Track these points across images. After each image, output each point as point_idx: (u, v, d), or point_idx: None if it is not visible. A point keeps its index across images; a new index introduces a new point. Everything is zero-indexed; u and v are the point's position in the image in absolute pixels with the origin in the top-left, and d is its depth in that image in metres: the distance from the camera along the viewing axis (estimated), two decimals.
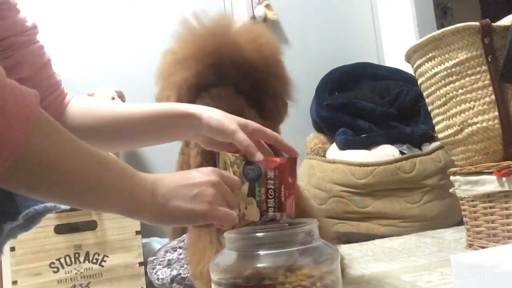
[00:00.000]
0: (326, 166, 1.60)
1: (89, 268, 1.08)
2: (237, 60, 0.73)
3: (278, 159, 0.63)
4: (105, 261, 1.09)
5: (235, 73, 0.73)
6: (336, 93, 1.81)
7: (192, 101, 0.75)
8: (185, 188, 0.51)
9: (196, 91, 0.75)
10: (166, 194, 0.50)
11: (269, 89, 0.77)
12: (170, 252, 1.09)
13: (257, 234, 0.53)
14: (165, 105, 0.67)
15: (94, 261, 1.09)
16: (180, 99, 0.76)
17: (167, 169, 1.38)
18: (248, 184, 0.59)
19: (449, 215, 1.49)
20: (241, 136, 0.60)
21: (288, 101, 0.84)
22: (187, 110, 0.65)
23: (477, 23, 0.98)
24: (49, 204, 0.60)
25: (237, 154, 0.61)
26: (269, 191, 0.60)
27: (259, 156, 0.59)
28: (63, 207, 0.63)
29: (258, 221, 0.60)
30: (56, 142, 0.41)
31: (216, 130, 0.62)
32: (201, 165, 0.88)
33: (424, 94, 1.15)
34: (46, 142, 0.40)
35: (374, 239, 1.45)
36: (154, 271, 1.07)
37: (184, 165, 1.24)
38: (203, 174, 0.53)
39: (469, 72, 1.00)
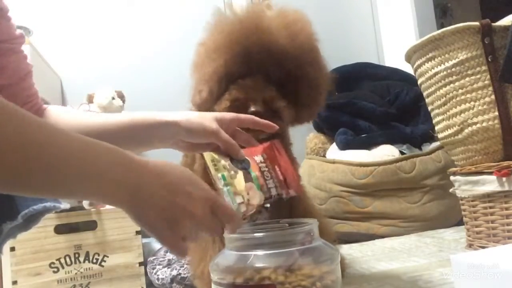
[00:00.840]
0: (326, 166, 1.60)
1: (89, 268, 1.08)
2: (267, 47, 0.69)
3: (260, 146, 0.63)
4: (105, 261, 1.09)
5: (266, 61, 0.70)
6: (336, 93, 1.81)
7: (223, 92, 0.71)
8: (171, 203, 0.47)
9: (226, 82, 0.72)
10: (153, 186, 0.46)
11: (303, 77, 0.73)
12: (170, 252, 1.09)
13: (257, 234, 0.53)
14: (141, 115, 0.66)
15: (94, 261, 1.09)
16: (211, 92, 0.73)
17: None
18: (242, 172, 0.59)
19: (449, 215, 1.49)
20: (223, 135, 0.60)
21: (324, 89, 0.79)
22: (163, 118, 0.64)
23: (477, 23, 0.98)
24: (48, 204, 0.60)
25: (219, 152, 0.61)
26: (264, 173, 0.60)
27: (242, 154, 0.59)
28: (62, 206, 0.63)
29: (264, 203, 0.60)
30: (20, 131, 0.38)
31: (197, 133, 0.61)
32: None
33: (424, 94, 1.15)
34: (6, 131, 0.37)
35: (374, 239, 1.45)
36: (154, 271, 1.07)
37: (187, 167, 1.24)
38: (195, 201, 0.49)
39: (469, 72, 1.00)
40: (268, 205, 0.61)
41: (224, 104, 0.70)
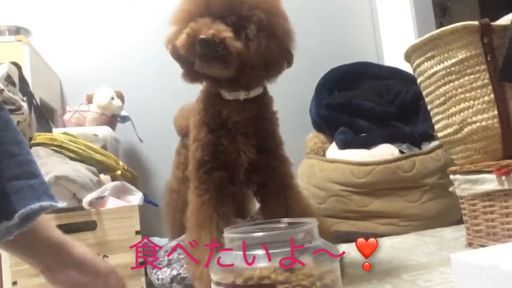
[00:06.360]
0: (325, 165, 1.60)
1: None
2: None
3: None
4: (105, 261, 1.09)
5: (223, 6, 0.78)
6: (336, 93, 1.81)
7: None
8: None
9: (188, 21, 0.80)
10: None
11: (255, 22, 0.79)
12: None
13: (257, 234, 0.53)
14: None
15: None
16: (179, 30, 0.82)
17: (166, 168, 1.38)
18: None
19: (449, 214, 1.49)
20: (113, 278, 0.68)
21: (282, 41, 0.84)
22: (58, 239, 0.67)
23: (476, 23, 0.98)
24: (45, 203, 0.59)
25: None
26: None
27: None
28: (59, 205, 0.63)
29: None
30: None
31: (90, 262, 0.67)
32: (201, 159, 0.88)
33: (424, 93, 1.15)
34: None
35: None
36: (154, 271, 1.07)
37: (180, 165, 1.24)
38: None
39: (468, 71, 1.00)
40: None
41: (182, 37, 0.78)
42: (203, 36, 0.74)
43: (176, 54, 0.84)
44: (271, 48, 0.82)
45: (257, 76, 0.84)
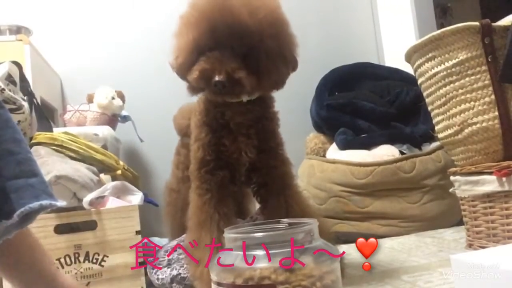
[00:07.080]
0: (326, 166, 1.60)
1: (89, 268, 1.08)
2: (230, 24, 0.77)
3: None
4: (105, 261, 1.09)
5: (230, 37, 0.77)
6: (336, 93, 1.81)
7: (194, 62, 0.80)
8: None
9: (196, 54, 0.80)
10: None
11: (264, 49, 0.79)
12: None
13: (257, 234, 0.53)
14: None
15: (94, 261, 1.08)
16: (184, 61, 0.82)
17: (167, 167, 1.39)
18: None
19: (449, 215, 1.49)
20: None
21: (288, 59, 0.85)
22: None
23: (477, 23, 0.98)
24: (44, 202, 0.59)
25: None
26: None
27: None
28: (59, 204, 0.62)
29: None
30: None
31: None
32: (202, 159, 0.89)
33: (424, 94, 1.15)
34: None
35: None
36: (154, 271, 1.07)
37: (180, 165, 1.24)
38: None
39: (469, 72, 1.00)
40: None
41: (194, 74, 0.78)
42: (218, 79, 0.75)
43: (182, 75, 0.85)
44: (281, 71, 0.83)
45: (264, 90, 0.87)
